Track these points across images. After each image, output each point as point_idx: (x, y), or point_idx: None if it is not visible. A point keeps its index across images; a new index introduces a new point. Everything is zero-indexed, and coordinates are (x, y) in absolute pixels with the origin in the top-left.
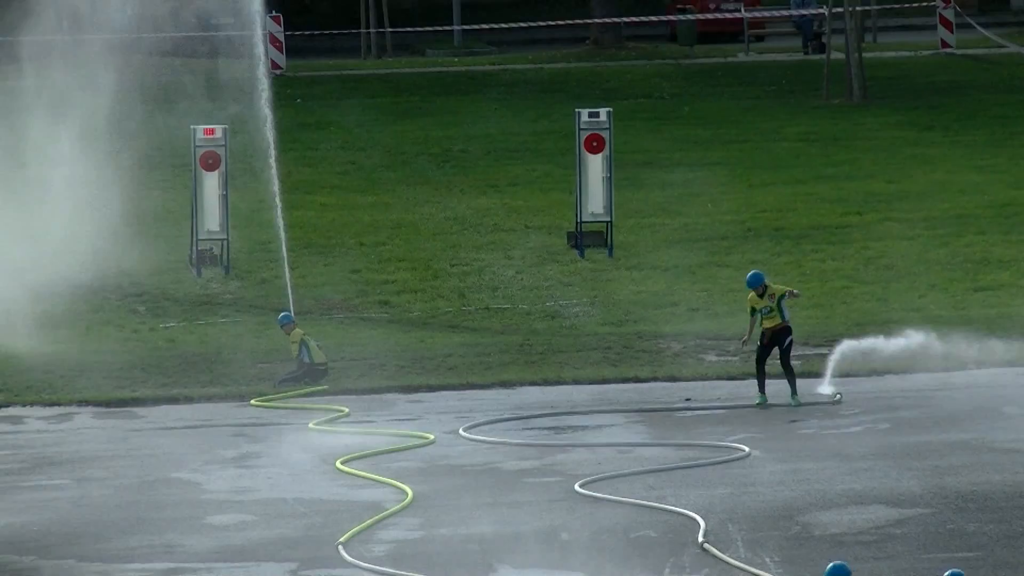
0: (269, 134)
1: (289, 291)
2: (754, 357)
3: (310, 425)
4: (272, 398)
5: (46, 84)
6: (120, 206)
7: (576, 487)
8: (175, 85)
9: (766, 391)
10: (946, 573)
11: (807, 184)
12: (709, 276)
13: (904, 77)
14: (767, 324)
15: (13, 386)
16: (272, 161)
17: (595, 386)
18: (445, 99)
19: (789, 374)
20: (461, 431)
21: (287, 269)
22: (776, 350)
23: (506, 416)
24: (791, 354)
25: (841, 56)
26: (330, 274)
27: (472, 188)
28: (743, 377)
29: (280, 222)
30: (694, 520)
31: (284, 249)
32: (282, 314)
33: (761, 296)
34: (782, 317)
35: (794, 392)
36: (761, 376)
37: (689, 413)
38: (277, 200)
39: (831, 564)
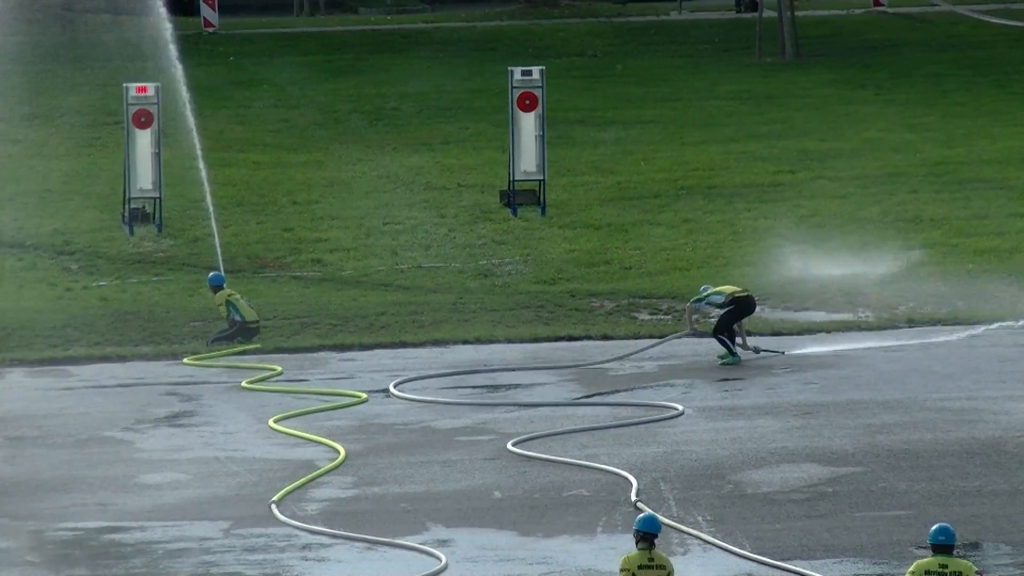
0: (184, 91)
1: (218, 248)
2: (715, 326)
3: (243, 384)
4: (205, 357)
5: None
6: (51, 164)
7: (508, 446)
8: (104, 42)
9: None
10: (934, 527)
11: (740, 142)
12: (642, 234)
13: (837, 35)
14: (737, 291)
15: None
16: (189, 117)
17: (528, 344)
18: (378, 57)
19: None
20: (392, 387)
21: (215, 226)
22: (738, 316)
23: (436, 373)
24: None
25: (774, 14)
26: (263, 232)
27: (405, 146)
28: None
29: (204, 179)
30: (626, 479)
31: (211, 207)
32: (211, 274)
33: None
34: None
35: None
36: (732, 336)
37: (622, 371)
38: (200, 158)
39: (937, 525)
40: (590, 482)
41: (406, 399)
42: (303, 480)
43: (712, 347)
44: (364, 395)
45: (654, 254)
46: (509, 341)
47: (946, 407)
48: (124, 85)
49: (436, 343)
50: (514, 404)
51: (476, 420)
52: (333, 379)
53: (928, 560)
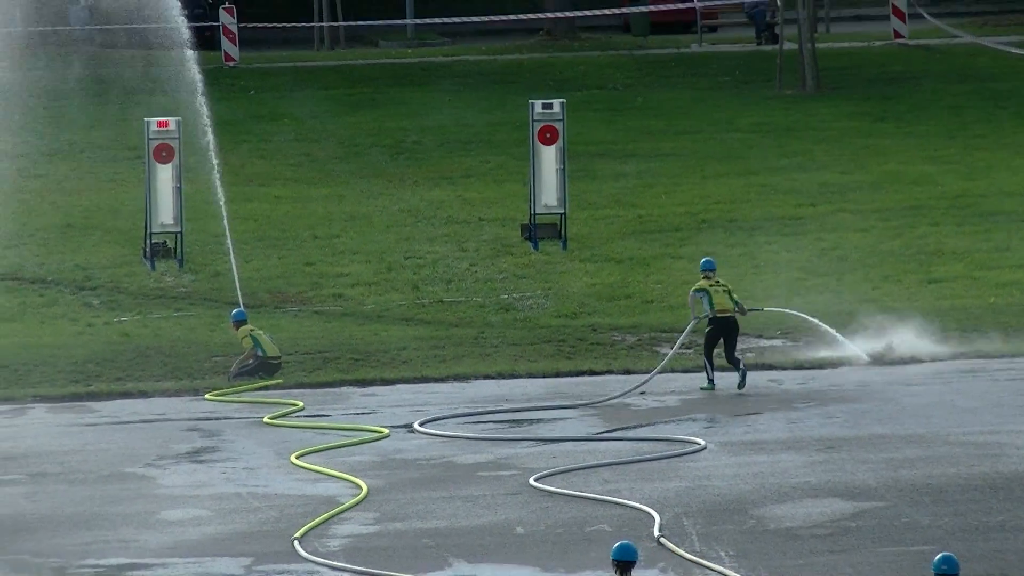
0: (209, 126)
1: (236, 283)
2: (703, 343)
3: (265, 419)
4: (227, 392)
5: None
6: (73, 199)
7: (531, 481)
8: (128, 78)
9: (715, 379)
10: (938, 556)
11: (760, 175)
12: (663, 268)
13: (857, 67)
14: (719, 307)
15: None
16: (211, 154)
17: (549, 379)
18: (399, 90)
19: (736, 366)
20: (416, 425)
21: (233, 261)
22: (722, 341)
23: (460, 412)
24: (736, 347)
25: (794, 46)
26: (284, 267)
27: (426, 180)
28: (697, 370)
29: (225, 215)
30: (649, 514)
31: (229, 242)
32: (235, 311)
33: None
34: (735, 304)
35: (742, 382)
36: (711, 362)
37: (643, 405)
38: (219, 193)
39: (941, 555)
40: (612, 517)
41: (429, 435)
42: (325, 516)
43: (734, 381)
44: (386, 430)
45: (675, 287)
46: (531, 376)
47: (969, 441)
48: (145, 120)
49: (457, 378)
50: (536, 439)
51: (498, 455)
52: (355, 414)
53: None
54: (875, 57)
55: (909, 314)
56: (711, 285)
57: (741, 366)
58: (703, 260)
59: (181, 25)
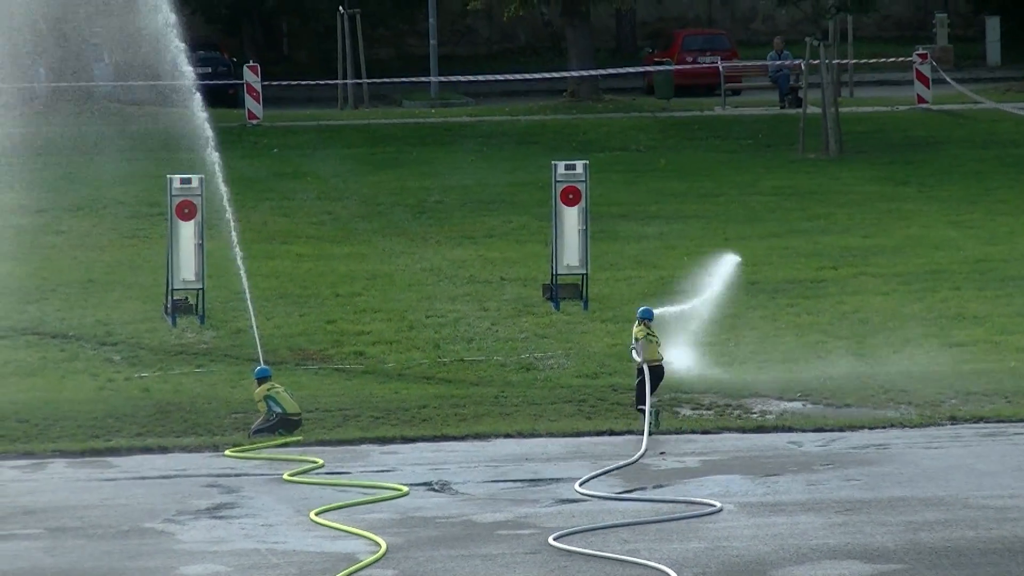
0: (222, 184)
1: (257, 340)
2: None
3: (284, 476)
4: (247, 448)
5: (19, 132)
6: (95, 255)
7: (550, 540)
8: (149, 134)
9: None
10: None
11: (782, 238)
12: (684, 329)
13: (880, 132)
14: (650, 356)
15: None
16: (228, 211)
17: (570, 439)
18: (421, 150)
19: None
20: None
21: (253, 318)
22: (647, 386)
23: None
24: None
25: (817, 110)
26: (305, 324)
27: (448, 239)
28: (717, 431)
29: (242, 272)
30: (667, 575)
31: (248, 299)
32: (258, 368)
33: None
34: (659, 352)
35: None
36: (648, 408)
37: (663, 466)
38: (236, 250)
39: None
40: None
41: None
42: (344, 573)
43: (753, 443)
44: (405, 488)
45: (696, 348)
46: (551, 435)
47: (988, 505)
48: (168, 176)
49: (478, 436)
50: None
51: (517, 514)
52: (375, 472)
53: None
54: (898, 122)
55: (929, 378)
56: (646, 335)
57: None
58: (641, 309)
59: (202, 83)
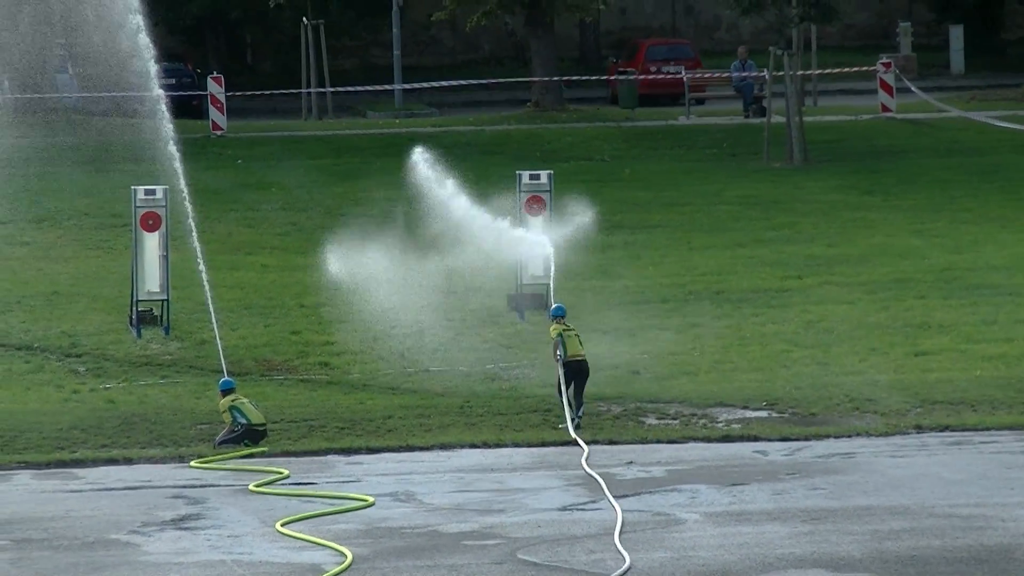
0: (186, 193)
1: (220, 351)
2: (558, 384)
3: (250, 487)
4: (212, 459)
5: None
6: (59, 266)
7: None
8: (114, 146)
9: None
10: None
11: (747, 247)
12: (650, 339)
13: (845, 141)
14: (572, 352)
15: None
16: (191, 221)
17: (535, 448)
18: (386, 160)
19: (579, 401)
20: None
21: (216, 329)
22: (574, 383)
23: None
24: (583, 390)
25: (782, 120)
26: (270, 335)
27: (412, 250)
28: (683, 440)
29: (206, 283)
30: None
31: (212, 310)
32: (223, 380)
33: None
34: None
35: (579, 415)
36: (569, 403)
37: (629, 476)
38: (200, 262)
39: None
40: None
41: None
42: None
43: (719, 452)
44: (371, 499)
45: (662, 358)
46: (516, 445)
47: (954, 513)
48: (132, 188)
49: (443, 447)
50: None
51: (483, 524)
52: (341, 482)
53: None
54: (862, 131)
55: (895, 387)
56: (564, 330)
57: (582, 410)
58: (554, 307)
59: (166, 94)
